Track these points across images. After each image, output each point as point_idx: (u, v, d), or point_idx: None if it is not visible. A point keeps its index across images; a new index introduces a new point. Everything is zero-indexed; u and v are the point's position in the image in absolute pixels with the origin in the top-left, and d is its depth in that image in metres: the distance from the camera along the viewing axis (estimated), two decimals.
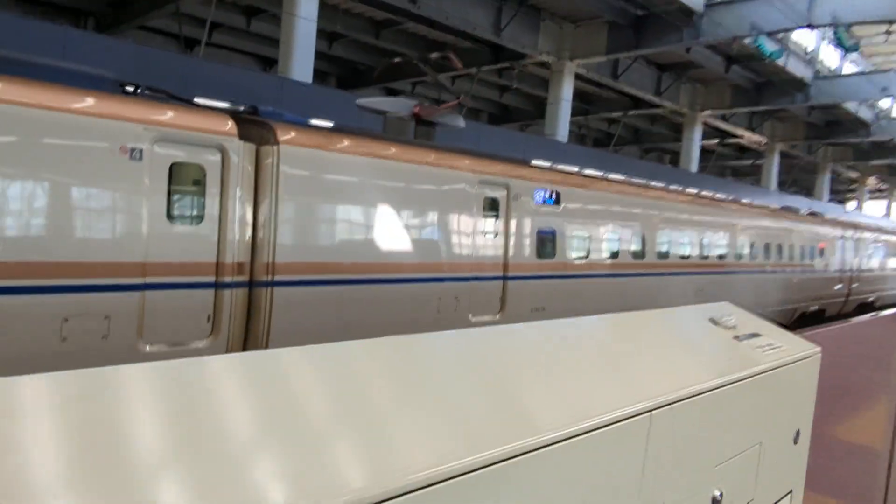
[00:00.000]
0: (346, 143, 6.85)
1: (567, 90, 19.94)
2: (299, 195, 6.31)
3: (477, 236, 8.32)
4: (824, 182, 41.40)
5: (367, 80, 25.41)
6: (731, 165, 48.58)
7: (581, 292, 10.20)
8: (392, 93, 27.40)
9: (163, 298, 5.30)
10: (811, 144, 37.87)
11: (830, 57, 26.54)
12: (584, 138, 40.74)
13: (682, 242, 12.80)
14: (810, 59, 25.26)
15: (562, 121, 20.01)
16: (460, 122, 10.05)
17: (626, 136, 38.76)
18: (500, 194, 8.70)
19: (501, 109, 33.18)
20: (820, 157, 40.70)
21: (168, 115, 5.35)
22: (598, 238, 10.49)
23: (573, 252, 9.95)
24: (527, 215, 9.11)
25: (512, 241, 8.84)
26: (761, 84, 25.75)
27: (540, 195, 9.34)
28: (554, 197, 9.59)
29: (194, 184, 5.56)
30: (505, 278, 8.75)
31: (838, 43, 17.61)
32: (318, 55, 22.99)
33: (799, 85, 24.66)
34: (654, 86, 24.89)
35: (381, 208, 7.15)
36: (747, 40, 17.91)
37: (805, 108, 29.94)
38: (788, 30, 16.96)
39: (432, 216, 7.75)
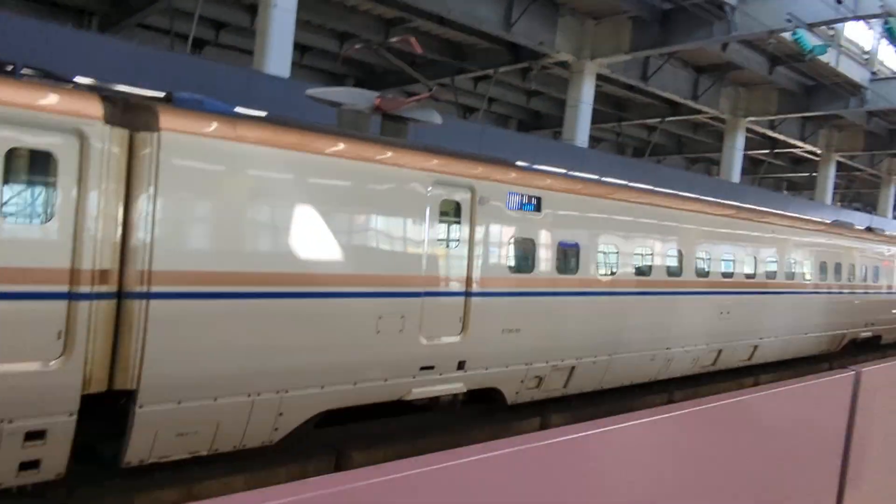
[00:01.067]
0: (257, 132, 5.98)
1: (588, 92, 18.75)
2: (189, 191, 5.45)
3: (431, 246, 7.32)
4: (889, 196, 38.74)
5: (389, 82, 24.75)
6: (786, 178, 46.16)
7: (567, 313, 9.06)
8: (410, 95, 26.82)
9: None
10: (873, 155, 35.47)
11: (890, 57, 24.55)
12: (623, 147, 39.26)
13: (698, 257, 11.49)
14: (867, 60, 23.38)
15: (581, 125, 18.81)
16: (435, 118, 9.09)
17: (667, 144, 37.15)
18: (462, 197, 7.68)
19: (532, 115, 32.14)
20: (883, 170, 38.11)
21: (6, 92, 4.57)
22: (591, 251, 9.34)
23: (557, 266, 8.83)
24: (498, 222, 8.06)
25: (478, 251, 7.81)
26: (811, 87, 23.97)
27: (515, 199, 8.28)
28: (534, 202, 8.52)
29: (40, 174, 4.77)
30: (468, 294, 7.72)
31: (890, 36, 15.94)
32: (332, 56, 22.76)
33: (853, 88, 22.83)
34: (690, 89, 23.44)
35: (302, 210, 6.24)
36: (787, 35, 16.41)
37: (863, 115, 27.87)
38: (831, 22, 15.45)
39: (369, 221, 6.79)
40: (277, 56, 11.55)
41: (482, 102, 28.40)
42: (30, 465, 4.90)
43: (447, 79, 23.09)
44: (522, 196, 8.34)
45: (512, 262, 8.27)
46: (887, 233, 20.94)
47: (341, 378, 6.64)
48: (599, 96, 26.53)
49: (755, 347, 13.38)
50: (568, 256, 9.13)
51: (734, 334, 12.55)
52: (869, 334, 17.82)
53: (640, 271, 10.19)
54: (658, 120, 28.28)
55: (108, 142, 4.97)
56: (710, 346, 12.00)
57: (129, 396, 5.32)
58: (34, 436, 4.82)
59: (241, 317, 5.79)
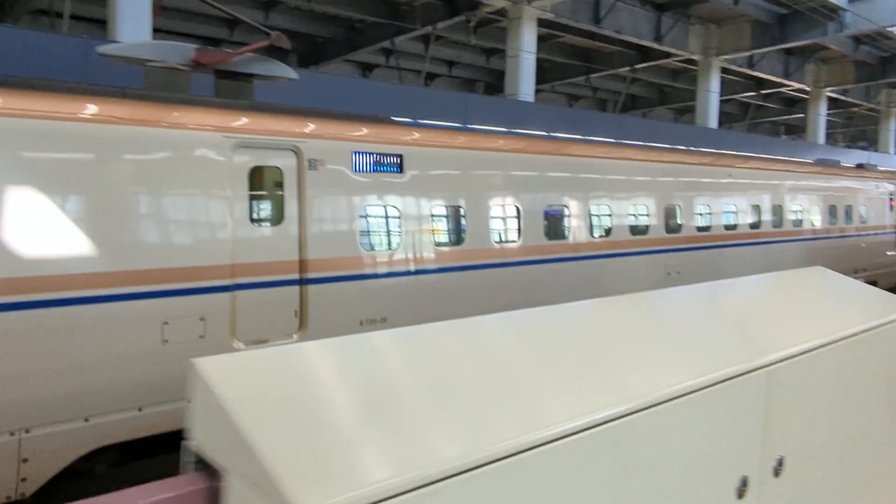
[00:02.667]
0: None
1: (528, 39, 17.27)
2: None
3: (240, 226, 5.89)
4: (889, 130, 36.71)
5: (332, 53, 23.21)
6: (782, 121, 44.21)
7: (459, 292, 7.63)
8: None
9: None
10: (868, 88, 33.49)
11: None
12: (603, 103, 37.52)
13: (630, 213, 10.00)
14: None
15: (524, 77, 17.27)
16: (287, 73, 7.58)
17: (649, 96, 35.64)
18: (284, 162, 6.22)
19: (498, 77, 30.83)
20: (882, 103, 36.04)
21: None
22: (482, 214, 7.87)
23: (435, 237, 7.39)
24: (341, 190, 6.61)
25: (314, 228, 6.37)
26: (784, 16, 22.08)
27: (365, 160, 6.81)
28: (394, 162, 7.05)
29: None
30: (304, 282, 6.29)
31: None
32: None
33: (830, 12, 20.98)
34: (652, 30, 21.70)
35: (27, 194, 4.82)
36: None
37: (850, 44, 25.95)
38: None
39: (135, 201, 5.35)
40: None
41: (443, 67, 26.91)
42: None
43: (387, 42, 21.52)
44: (376, 156, 6.86)
45: (368, 237, 6.83)
46: (881, 169, 19.28)
47: (117, 405, 5.26)
48: (559, 47, 25.02)
49: None
50: (451, 223, 7.67)
51: None
52: (862, 279, 16.27)
53: (556, 233, 8.70)
54: (628, 69, 26.47)
55: None
56: None
57: None
58: None
59: None
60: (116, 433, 5.32)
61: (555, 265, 8.81)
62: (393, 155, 7.05)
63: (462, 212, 7.69)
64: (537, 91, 32.22)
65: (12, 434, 4.82)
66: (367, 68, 27.67)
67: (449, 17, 18.84)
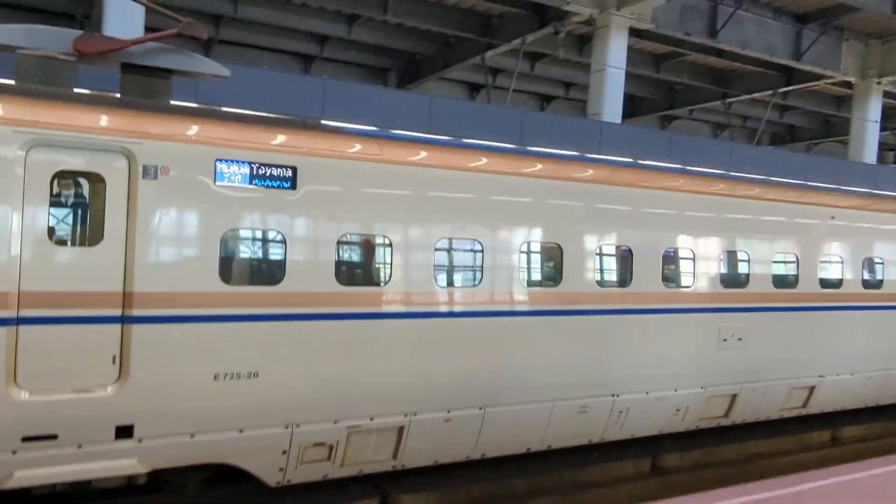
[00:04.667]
0: None
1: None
2: None
3: (34, 245, 4.72)
4: None
5: (426, 71, 22.43)
6: None
7: (377, 342, 6.04)
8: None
9: None
10: None
11: None
12: (753, 134, 33.45)
13: (679, 256, 7.82)
14: None
15: (610, 93, 15.07)
16: (216, 69, 6.47)
17: (811, 126, 31.23)
18: (107, 167, 4.99)
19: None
20: None
21: None
22: (414, 245, 6.21)
23: (338, 272, 5.83)
24: (195, 205, 5.28)
25: (148, 251, 5.07)
26: None
27: (237, 170, 5.43)
28: (284, 175, 5.60)
29: None
30: (127, 320, 4.99)
31: None
32: (360, 44, 21.14)
33: None
34: (789, 45, 18.50)
35: None
36: None
37: None
38: None
39: None
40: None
41: (559, 88, 25.23)
42: None
43: (477, 57, 20.24)
44: (254, 165, 5.46)
45: (234, 267, 5.43)
46: None
47: None
48: (686, 67, 22.26)
49: (811, 389, 9.18)
50: (365, 255, 6.09)
51: (756, 372, 8.53)
52: None
53: (527, 275, 6.82)
54: (770, 93, 23.02)
55: None
56: (710, 388, 8.19)
57: None
58: None
59: None
60: None
61: (538, 318, 6.90)
62: (284, 165, 5.61)
63: (390, 242, 6.06)
64: (671, 118, 29.66)
65: None
66: (474, 88, 26.56)
67: (537, 28, 17.16)
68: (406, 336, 6.24)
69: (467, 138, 8.42)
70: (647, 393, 7.84)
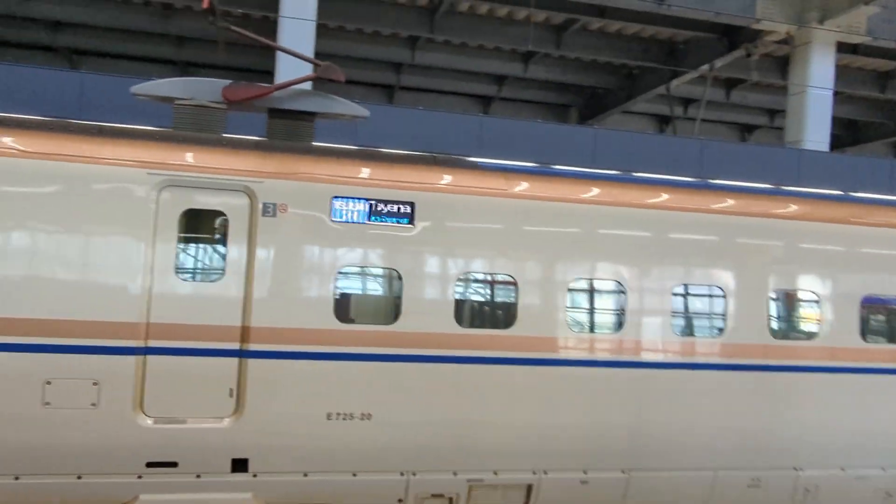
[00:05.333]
0: None
1: (819, 70, 13.30)
2: None
3: (162, 277, 5.04)
4: None
5: (608, 103, 21.77)
6: None
7: (500, 391, 5.65)
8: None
9: None
10: None
11: None
12: None
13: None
14: None
15: (814, 119, 13.28)
16: (355, 110, 6.73)
17: None
18: (230, 205, 5.21)
19: None
20: None
21: None
22: (541, 287, 5.75)
23: (458, 313, 5.55)
24: (313, 243, 5.33)
25: (266, 287, 5.20)
26: None
27: (353, 207, 5.42)
28: (401, 211, 5.50)
29: None
30: (243, 354, 5.13)
31: None
32: (538, 82, 21.16)
33: None
34: None
35: None
36: None
37: None
38: None
39: (16, 240, 4.86)
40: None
41: (762, 116, 23.18)
42: None
43: (662, 87, 19.18)
44: (371, 202, 5.42)
45: (350, 306, 5.39)
46: None
47: None
48: None
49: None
50: (488, 296, 5.75)
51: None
52: None
53: (634, 320, 6.05)
54: None
55: None
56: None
57: None
58: None
59: None
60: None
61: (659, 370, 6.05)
62: (401, 202, 5.49)
63: (515, 281, 5.67)
64: None
65: None
66: (663, 120, 25.22)
67: (727, 52, 15.83)
68: (535, 384, 5.74)
69: (638, 171, 7.80)
70: (843, 469, 6.48)
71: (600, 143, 11.47)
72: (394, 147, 11.37)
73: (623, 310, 5.95)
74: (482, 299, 5.86)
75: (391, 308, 5.49)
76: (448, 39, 17.83)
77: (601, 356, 5.96)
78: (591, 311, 5.99)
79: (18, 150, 4.91)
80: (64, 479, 4.91)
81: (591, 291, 6.05)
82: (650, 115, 24.52)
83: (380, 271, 5.53)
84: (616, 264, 5.97)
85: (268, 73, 17.29)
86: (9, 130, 5.00)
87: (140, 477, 5.02)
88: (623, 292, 5.95)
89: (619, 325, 5.96)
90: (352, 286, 5.52)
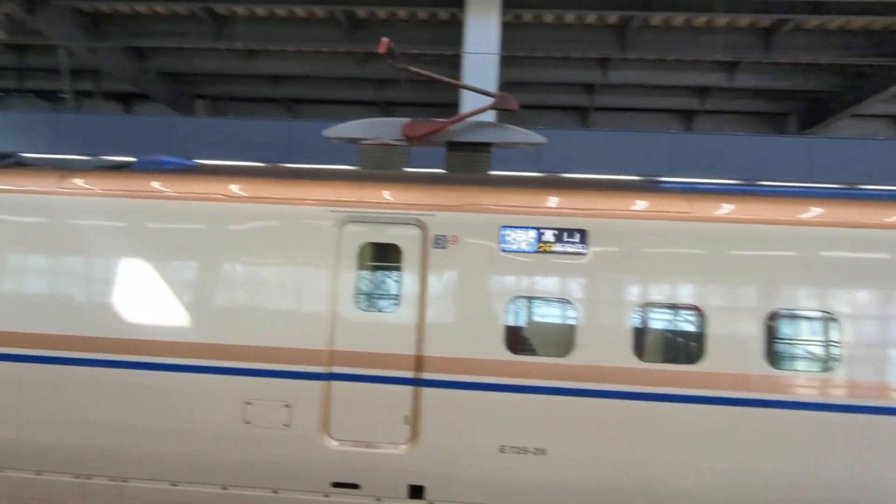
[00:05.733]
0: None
1: None
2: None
3: (345, 307, 5.40)
4: None
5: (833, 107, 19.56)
6: None
7: (683, 430, 5.26)
8: None
9: None
10: None
11: None
12: None
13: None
14: None
15: None
16: (532, 137, 6.89)
17: None
18: (403, 237, 5.45)
19: None
20: None
21: None
22: (734, 318, 5.26)
23: (636, 347, 5.27)
24: (482, 272, 5.40)
25: (437, 316, 5.37)
26: None
27: (521, 236, 5.40)
28: (573, 238, 5.39)
29: None
30: (417, 383, 5.32)
31: None
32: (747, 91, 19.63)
33: None
34: None
35: (124, 261, 5.54)
36: None
37: None
38: None
39: (224, 273, 5.48)
40: None
41: None
42: None
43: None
44: (541, 231, 5.39)
45: (510, 337, 5.35)
46: None
47: (202, 476, 5.42)
48: None
49: None
50: (671, 327, 5.39)
51: None
52: None
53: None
54: None
55: None
56: None
57: None
58: None
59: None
60: None
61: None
62: (572, 230, 5.36)
63: (702, 311, 5.25)
64: None
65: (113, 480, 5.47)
66: None
67: None
68: (726, 425, 5.23)
69: (865, 183, 6.91)
70: None
71: (816, 154, 10.27)
72: (582, 171, 11.16)
73: (840, 344, 5.22)
74: (664, 331, 5.49)
75: (564, 339, 5.34)
76: (642, 56, 17.25)
77: (810, 397, 5.26)
78: (790, 344, 5.33)
79: (225, 195, 5.60)
80: (262, 492, 5.41)
81: (797, 322, 5.39)
82: (888, 116, 21.53)
83: (551, 301, 5.42)
84: (828, 291, 5.26)
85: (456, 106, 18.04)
86: (227, 179, 5.74)
87: (327, 496, 5.37)
88: (836, 322, 5.22)
89: (833, 360, 5.23)
90: (522, 317, 5.47)
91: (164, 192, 5.67)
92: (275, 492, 5.42)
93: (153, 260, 5.53)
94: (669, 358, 5.37)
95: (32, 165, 6.57)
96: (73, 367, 5.43)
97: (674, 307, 5.39)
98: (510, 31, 15.05)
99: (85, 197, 5.69)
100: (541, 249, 5.37)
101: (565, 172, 11.37)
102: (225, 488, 5.42)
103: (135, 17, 17.19)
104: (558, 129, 16.24)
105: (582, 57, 17.36)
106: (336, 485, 5.37)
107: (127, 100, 23.35)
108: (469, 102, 11.03)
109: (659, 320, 5.46)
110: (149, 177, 5.85)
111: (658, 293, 5.33)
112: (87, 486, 5.49)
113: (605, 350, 5.28)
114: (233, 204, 5.58)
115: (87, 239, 5.62)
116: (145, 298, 5.49)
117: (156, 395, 5.41)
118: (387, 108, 20.47)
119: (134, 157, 6.81)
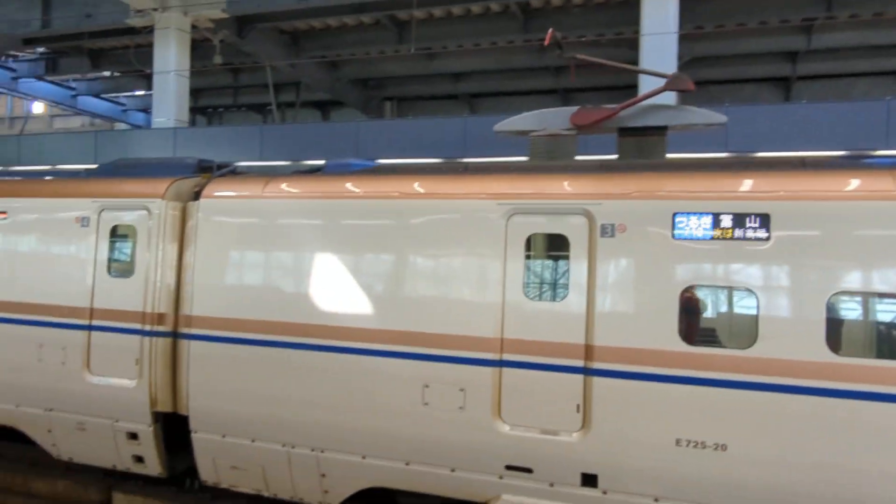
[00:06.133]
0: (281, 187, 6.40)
1: None
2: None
3: (514, 294, 5.59)
4: None
5: None
6: None
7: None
8: None
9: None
10: None
11: None
12: None
13: None
14: None
15: None
16: (711, 118, 6.71)
17: None
18: (570, 227, 5.50)
19: None
20: None
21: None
22: None
23: (830, 337, 4.89)
24: (651, 261, 5.30)
25: (605, 305, 5.37)
26: None
27: (695, 223, 5.23)
28: (753, 224, 5.12)
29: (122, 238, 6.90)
30: (588, 372, 5.38)
31: None
32: None
33: None
34: None
35: (322, 256, 6.14)
36: None
37: None
38: None
39: (411, 266, 5.88)
40: None
41: None
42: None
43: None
44: (717, 216, 5.19)
45: (686, 328, 5.20)
46: None
47: (387, 451, 5.93)
48: None
49: None
50: (869, 319, 4.93)
51: None
52: None
53: None
54: None
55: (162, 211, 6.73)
56: None
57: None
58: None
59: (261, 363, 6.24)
60: (389, 478, 5.96)
61: None
62: (752, 214, 5.07)
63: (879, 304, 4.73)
64: None
65: (312, 450, 6.16)
66: None
67: None
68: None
69: None
70: None
71: None
72: (779, 149, 10.39)
73: None
74: (862, 322, 4.99)
75: (746, 330, 5.08)
76: (855, 13, 15.46)
77: None
78: None
79: (404, 193, 6.04)
80: (441, 469, 5.78)
81: None
82: None
83: (730, 290, 5.17)
84: None
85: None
86: (406, 177, 6.19)
87: (501, 478, 5.61)
88: None
89: None
90: (699, 307, 5.27)
91: (351, 191, 6.24)
92: (452, 470, 5.76)
93: (344, 254, 6.12)
94: (870, 352, 4.88)
95: (244, 173, 7.54)
96: (283, 350, 6.19)
97: (875, 295, 4.89)
98: (695, 3, 14.26)
99: (285, 200, 6.44)
100: (717, 236, 5.14)
101: (759, 151, 10.59)
102: (408, 464, 5.87)
103: (327, 31, 18.77)
104: (752, 105, 15.11)
105: (782, 23, 15.97)
106: (510, 468, 5.59)
107: (323, 107, 25.53)
108: (647, 85, 10.66)
109: (856, 310, 4.98)
110: (338, 178, 6.46)
111: (855, 280, 4.87)
112: (292, 454, 6.23)
113: (793, 342, 4.94)
114: (411, 201, 5.99)
115: (289, 237, 6.36)
116: (339, 289, 6.10)
117: (348, 376, 5.99)
118: (566, 96, 20.35)
119: (328, 160, 7.53)
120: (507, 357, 5.57)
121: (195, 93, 23.01)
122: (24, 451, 8.08)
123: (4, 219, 7.47)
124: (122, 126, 27.51)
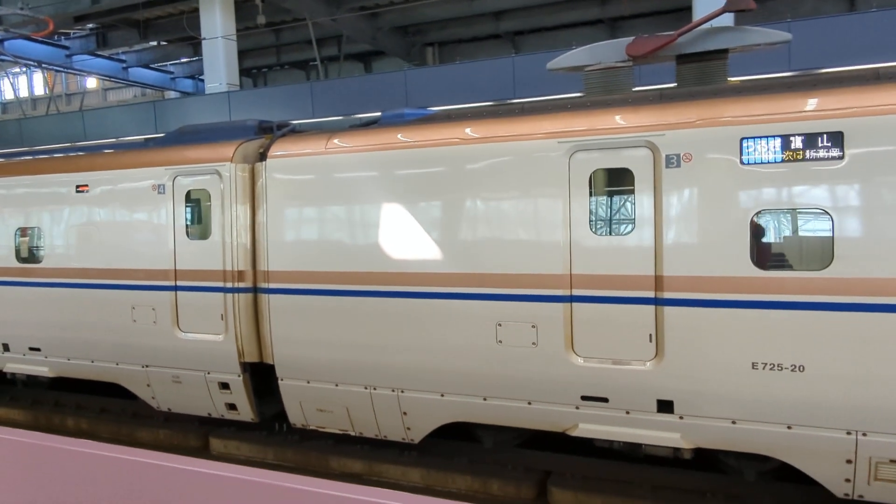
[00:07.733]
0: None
1: None
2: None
3: (579, 231, 5.65)
4: None
5: None
6: None
7: None
8: None
9: None
10: None
11: None
12: None
13: None
14: None
15: None
16: (775, 36, 6.50)
17: None
18: (634, 161, 5.49)
19: None
20: None
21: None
22: None
23: (885, 253, 4.82)
24: (721, 191, 5.28)
25: (674, 237, 5.39)
26: None
27: (762, 147, 5.15)
28: (824, 144, 5.02)
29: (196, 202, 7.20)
30: (659, 302, 5.45)
31: None
32: None
33: None
34: None
35: (388, 205, 6.29)
36: None
37: None
38: None
39: (469, 209, 5.97)
40: None
41: None
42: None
43: None
44: (787, 138, 5.10)
45: (758, 253, 5.18)
46: None
47: (464, 388, 6.17)
48: None
49: None
50: None
51: None
52: None
53: None
54: None
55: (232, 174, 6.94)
56: None
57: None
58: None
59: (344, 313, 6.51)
60: (467, 413, 6.22)
61: None
62: (823, 133, 4.95)
63: None
64: None
65: (392, 390, 6.44)
66: None
67: None
68: None
69: None
70: None
71: None
72: (847, 64, 9.99)
73: None
74: None
75: (820, 252, 5.03)
76: None
77: None
78: None
79: (462, 139, 6.09)
80: (518, 402, 5.99)
81: None
82: None
83: (803, 212, 5.11)
84: None
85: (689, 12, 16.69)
86: (461, 123, 6.24)
87: (577, 408, 5.79)
88: None
89: None
90: (770, 231, 5.23)
91: (413, 141, 6.33)
92: (529, 403, 5.97)
93: (411, 203, 6.26)
94: None
95: (304, 132, 7.69)
96: (360, 298, 6.44)
97: None
98: None
99: (348, 154, 6.57)
100: (787, 158, 5.06)
101: (825, 68, 10.16)
102: (485, 399, 6.10)
103: None
104: (816, 17, 14.36)
105: None
106: (585, 398, 5.75)
107: (365, 58, 25.39)
108: (703, 6, 10.27)
109: None
110: (395, 129, 6.55)
111: None
112: (374, 394, 6.54)
113: (871, 261, 4.87)
114: (474, 146, 6.05)
115: (357, 189, 6.52)
116: (409, 236, 6.26)
117: (423, 320, 6.21)
118: (612, 25, 19.69)
119: (379, 111, 7.60)
120: (577, 292, 5.67)
121: (240, 55, 23.20)
122: (127, 404, 8.67)
123: (87, 191, 7.85)
124: (172, 94, 28.00)
